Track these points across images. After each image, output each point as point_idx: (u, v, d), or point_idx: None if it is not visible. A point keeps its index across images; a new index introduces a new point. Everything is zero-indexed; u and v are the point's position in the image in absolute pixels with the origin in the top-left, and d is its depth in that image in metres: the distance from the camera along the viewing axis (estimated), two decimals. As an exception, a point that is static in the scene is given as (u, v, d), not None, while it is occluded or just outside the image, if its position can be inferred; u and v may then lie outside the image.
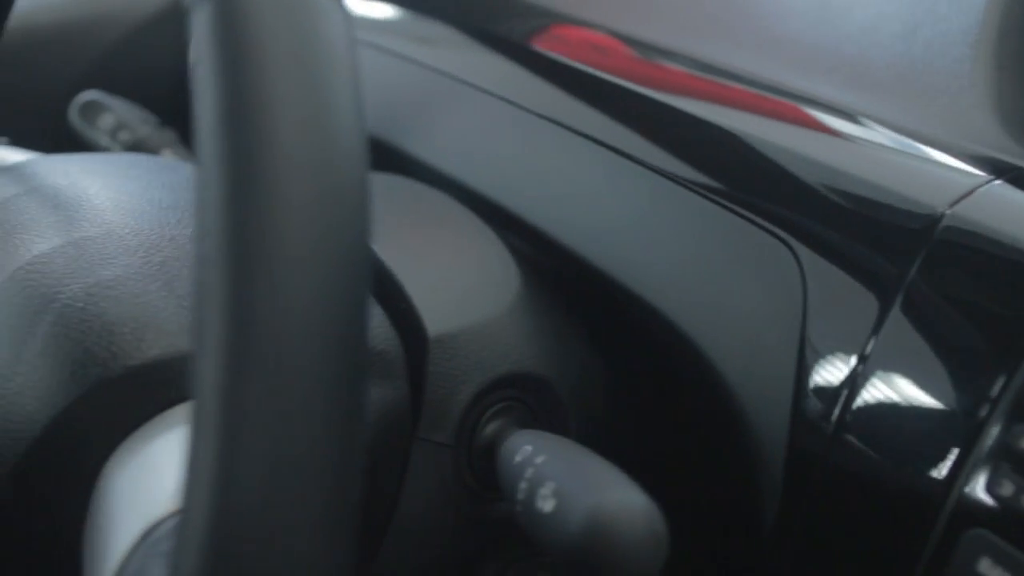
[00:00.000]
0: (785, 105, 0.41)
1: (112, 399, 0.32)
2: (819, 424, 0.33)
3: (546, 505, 0.27)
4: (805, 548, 0.34)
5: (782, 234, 0.36)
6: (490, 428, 0.38)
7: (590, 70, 0.46)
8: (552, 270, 0.43)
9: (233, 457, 0.20)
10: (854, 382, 0.33)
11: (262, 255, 0.21)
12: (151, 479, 0.30)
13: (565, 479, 0.28)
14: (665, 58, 0.46)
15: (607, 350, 0.42)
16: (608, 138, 0.43)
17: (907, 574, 0.31)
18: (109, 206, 0.38)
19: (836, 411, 0.33)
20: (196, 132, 0.23)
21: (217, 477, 0.21)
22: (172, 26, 0.74)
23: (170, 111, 0.69)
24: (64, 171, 0.41)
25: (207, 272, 0.21)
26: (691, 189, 0.39)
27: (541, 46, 0.50)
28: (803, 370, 0.34)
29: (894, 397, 0.32)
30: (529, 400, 0.39)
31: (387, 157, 0.50)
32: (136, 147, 0.61)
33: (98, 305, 0.33)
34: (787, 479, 0.34)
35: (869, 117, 0.40)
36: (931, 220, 0.34)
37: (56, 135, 0.62)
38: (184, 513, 0.21)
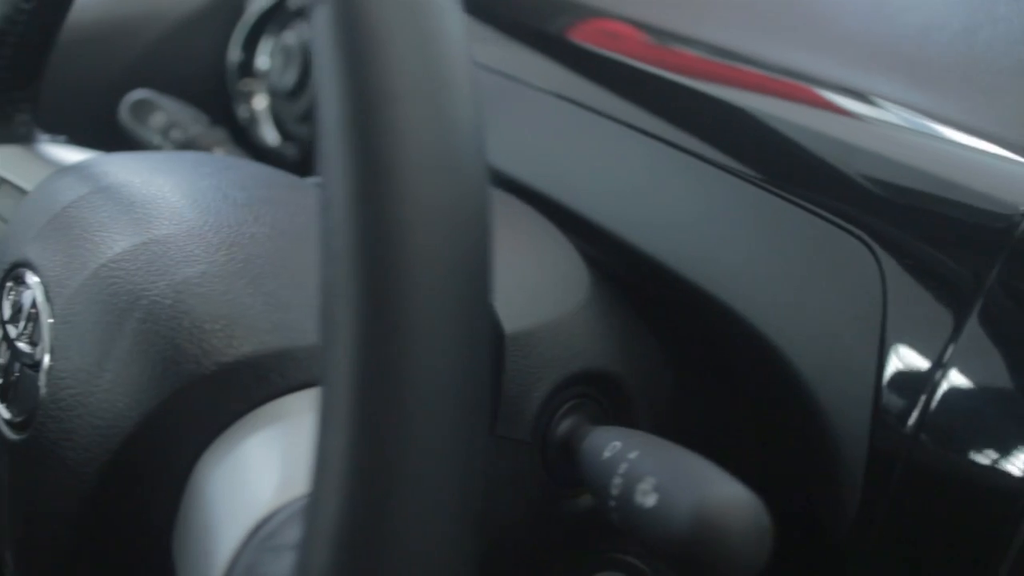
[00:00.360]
0: (856, 105, 0.42)
1: (204, 396, 0.32)
2: (900, 424, 0.33)
3: (647, 500, 0.27)
4: (886, 547, 0.34)
5: (860, 234, 0.36)
6: (564, 425, 0.38)
7: (657, 70, 0.46)
8: (621, 269, 0.43)
9: (369, 450, 0.21)
10: (935, 383, 0.33)
11: (396, 251, 0.21)
12: (250, 476, 0.30)
13: (665, 474, 0.28)
14: (731, 58, 0.46)
15: (678, 348, 0.42)
16: (680, 139, 0.43)
17: (992, 573, 0.31)
18: (186, 204, 0.38)
19: (916, 412, 0.33)
20: (320, 131, 0.23)
21: (351, 470, 0.21)
22: (216, 23, 0.74)
23: (213, 108, 0.69)
24: (134, 169, 0.41)
25: (338, 269, 0.22)
26: (766, 189, 0.39)
27: (601, 45, 0.50)
28: (883, 370, 0.34)
29: (975, 399, 0.33)
30: (600, 397, 0.39)
31: None
32: (188, 145, 0.62)
33: (186, 302, 0.33)
34: (867, 478, 0.34)
35: (937, 117, 0.40)
36: (1012, 221, 0.34)
37: (104, 133, 0.63)
38: (313, 504, 0.21)
